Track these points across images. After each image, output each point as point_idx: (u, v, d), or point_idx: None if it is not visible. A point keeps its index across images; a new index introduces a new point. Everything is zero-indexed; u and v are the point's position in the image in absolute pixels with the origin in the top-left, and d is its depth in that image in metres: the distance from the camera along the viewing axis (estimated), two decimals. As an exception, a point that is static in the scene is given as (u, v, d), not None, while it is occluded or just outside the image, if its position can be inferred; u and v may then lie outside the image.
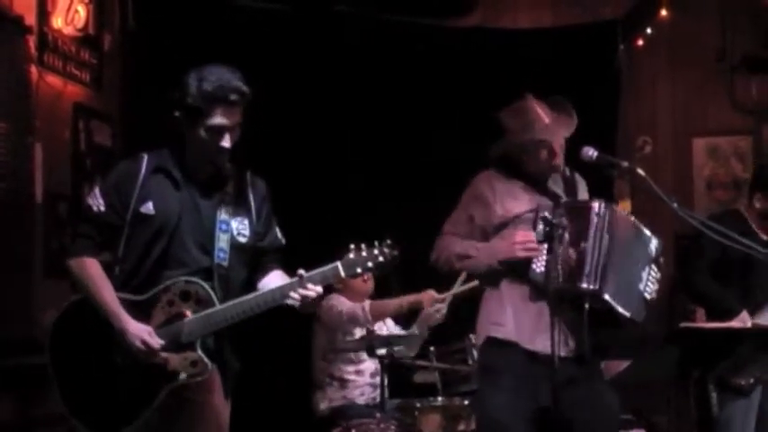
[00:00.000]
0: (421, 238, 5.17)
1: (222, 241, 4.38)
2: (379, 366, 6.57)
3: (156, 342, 4.28)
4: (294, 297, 4.31)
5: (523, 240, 4.76)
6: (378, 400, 6.59)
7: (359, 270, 4.36)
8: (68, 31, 6.89)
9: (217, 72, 4.33)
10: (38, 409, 6.09)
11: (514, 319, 4.85)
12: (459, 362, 6.84)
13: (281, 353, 7.40)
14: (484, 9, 8.65)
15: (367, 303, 6.83)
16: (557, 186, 5.02)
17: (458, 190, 5.15)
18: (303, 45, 7.97)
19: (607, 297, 4.69)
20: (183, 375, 4.31)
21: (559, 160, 4.96)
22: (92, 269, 4.38)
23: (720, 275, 6.16)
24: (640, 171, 4.86)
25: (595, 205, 4.77)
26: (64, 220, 6.82)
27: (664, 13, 8.56)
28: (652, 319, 4.98)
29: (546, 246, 4.71)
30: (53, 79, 6.79)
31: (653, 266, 4.83)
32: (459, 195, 5.13)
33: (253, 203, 4.52)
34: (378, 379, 6.70)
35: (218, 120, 4.30)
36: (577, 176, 5.13)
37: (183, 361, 4.31)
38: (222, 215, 4.41)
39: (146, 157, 4.45)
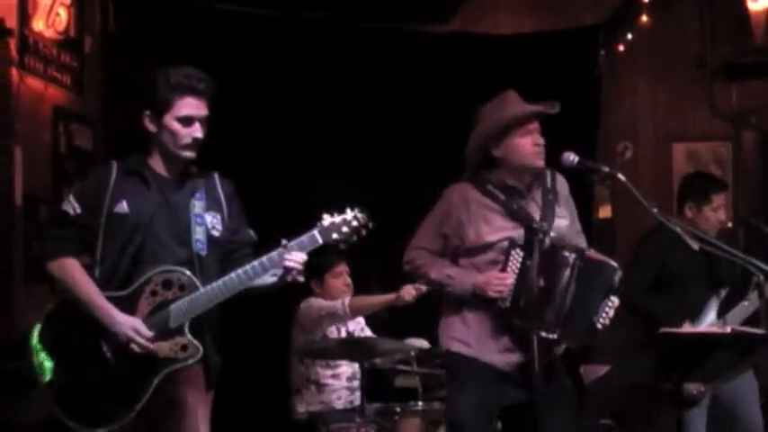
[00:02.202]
0: (402, 240, 5.18)
1: (198, 233, 4.48)
2: (355, 370, 6.57)
3: (147, 332, 4.34)
4: (280, 266, 4.42)
5: (498, 283, 4.81)
6: (355, 403, 6.60)
7: (335, 236, 4.47)
8: (49, 33, 6.87)
9: (181, 68, 4.51)
10: (17, 415, 6.06)
11: (474, 338, 4.93)
12: (440, 366, 6.83)
13: (260, 356, 7.39)
14: (464, 14, 8.65)
15: (347, 298, 6.84)
16: (535, 202, 5.01)
17: (436, 191, 5.15)
18: (282, 50, 7.96)
19: (564, 344, 4.87)
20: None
21: (542, 157, 4.96)
22: (73, 269, 4.43)
23: (660, 288, 6.23)
24: (621, 176, 4.87)
25: (567, 255, 4.81)
26: (44, 223, 6.79)
27: (644, 18, 8.60)
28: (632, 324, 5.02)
29: (514, 278, 4.79)
30: (34, 82, 6.77)
31: (611, 296, 4.86)
32: (437, 197, 5.12)
33: (223, 200, 4.62)
34: (355, 383, 6.71)
35: (188, 110, 4.45)
36: (559, 180, 5.10)
37: (173, 347, 4.38)
38: (196, 209, 4.51)
39: (115, 163, 4.56)
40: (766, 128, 8.86)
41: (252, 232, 4.71)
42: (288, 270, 4.43)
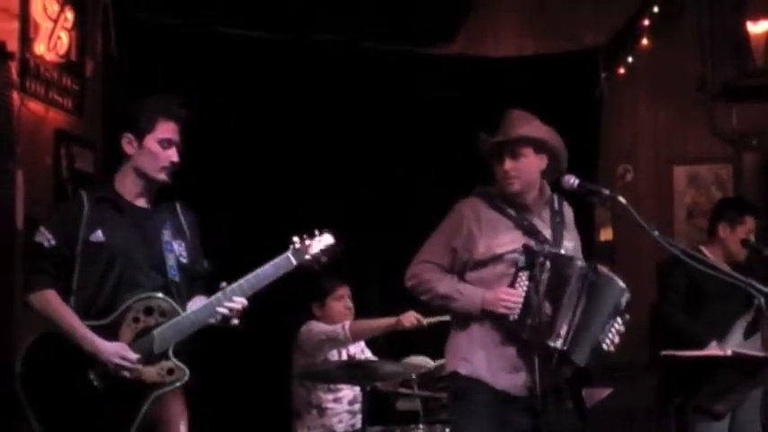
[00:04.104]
0: (403, 264, 5.17)
1: (171, 260, 4.60)
2: (357, 393, 6.56)
3: (133, 355, 4.40)
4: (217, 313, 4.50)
5: (507, 299, 4.79)
6: (357, 427, 6.58)
7: (307, 257, 4.61)
8: (51, 57, 6.87)
9: (164, 95, 4.73)
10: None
11: (481, 358, 4.90)
12: (442, 389, 6.82)
13: (261, 380, 7.37)
14: (465, 37, 8.66)
15: (347, 322, 6.82)
16: (543, 221, 5.02)
17: (438, 215, 5.15)
18: (285, 72, 7.97)
19: (574, 359, 4.78)
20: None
21: (513, 183, 4.95)
22: (53, 300, 4.50)
23: (689, 306, 6.25)
24: (621, 199, 4.88)
25: (578, 265, 4.80)
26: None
27: (645, 42, 8.62)
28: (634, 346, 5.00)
29: (523, 292, 4.77)
30: (35, 105, 6.77)
31: (618, 319, 4.84)
32: (439, 220, 5.12)
33: (186, 229, 4.76)
34: (356, 406, 6.69)
35: (169, 133, 4.62)
36: (566, 206, 5.13)
37: (159, 371, 4.46)
38: (166, 237, 4.63)
39: (84, 193, 4.69)
40: (767, 150, 8.86)
41: (206, 263, 4.83)
42: (226, 316, 4.51)
